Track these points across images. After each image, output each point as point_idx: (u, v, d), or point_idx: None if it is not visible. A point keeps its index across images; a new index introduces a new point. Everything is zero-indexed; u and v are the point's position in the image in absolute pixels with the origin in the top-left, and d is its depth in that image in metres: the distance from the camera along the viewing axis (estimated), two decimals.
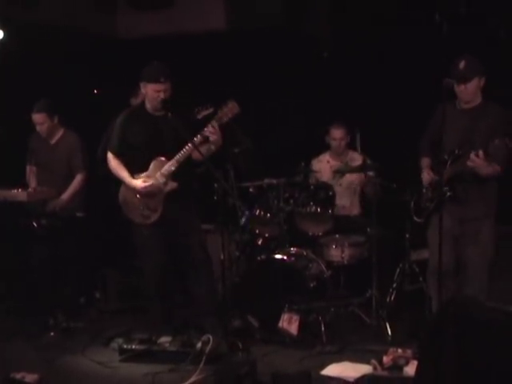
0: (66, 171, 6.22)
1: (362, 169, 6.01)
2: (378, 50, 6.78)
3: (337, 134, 6.34)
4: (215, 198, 5.70)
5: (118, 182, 5.56)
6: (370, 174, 5.87)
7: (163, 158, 5.27)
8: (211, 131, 5.12)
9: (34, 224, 5.90)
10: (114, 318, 6.08)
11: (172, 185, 5.28)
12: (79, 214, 6.20)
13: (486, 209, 4.99)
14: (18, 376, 4.56)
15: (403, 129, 5.45)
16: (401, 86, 6.56)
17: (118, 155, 5.43)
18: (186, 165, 5.26)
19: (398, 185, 5.67)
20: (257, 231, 6.15)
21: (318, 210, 5.82)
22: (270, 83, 7.22)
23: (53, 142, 6.27)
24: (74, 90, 7.13)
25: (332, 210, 5.88)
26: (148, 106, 5.36)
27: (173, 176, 5.26)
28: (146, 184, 5.28)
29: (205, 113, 5.31)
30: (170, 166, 5.23)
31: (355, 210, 6.44)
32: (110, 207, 6.73)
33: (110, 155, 5.47)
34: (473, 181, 4.86)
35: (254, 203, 6.06)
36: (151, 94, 5.24)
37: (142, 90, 5.32)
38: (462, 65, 4.85)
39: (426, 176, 5.19)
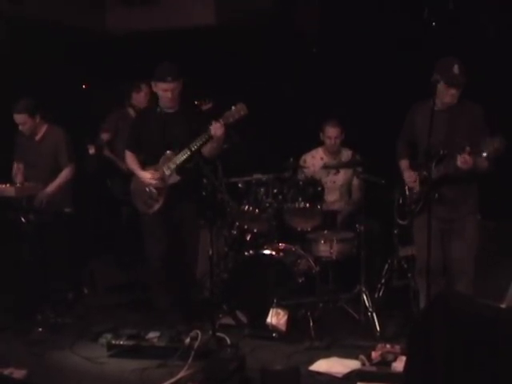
0: (52, 166, 6.16)
1: (350, 164, 6.02)
2: (366, 46, 6.78)
3: (332, 132, 6.30)
4: (204, 193, 5.72)
5: (109, 178, 5.94)
6: (359, 169, 5.90)
7: (172, 152, 5.48)
8: (216, 128, 5.24)
9: (22, 219, 5.88)
10: (102, 314, 6.05)
11: (175, 178, 5.48)
12: (67, 210, 6.17)
13: (469, 207, 4.99)
14: (6, 372, 4.53)
15: (393, 125, 5.45)
16: (390, 82, 6.57)
17: (133, 151, 5.73)
18: (192, 160, 5.43)
19: (386, 181, 5.67)
20: (245, 227, 6.14)
21: (307, 205, 5.81)
22: (259, 78, 7.22)
23: (37, 138, 6.19)
24: (63, 85, 7.10)
25: (321, 206, 5.88)
26: (160, 103, 5.57)
27: (177, 170, 5.46)
28: (151, 175, 5.53)
29: (205, 107, 5.87)
30: (175, 160, 5.45)
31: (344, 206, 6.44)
32: (99, 203, 6.72)
33: (126, 152, 5.78)
34: (458, 182, 4.84)
35: (242, 199, 6.06)
36: (160, 92, 5.48)
37: (154, 89, 5.56)
38: (456, 69, 4.68)
39: (409, 177, 5.12)
